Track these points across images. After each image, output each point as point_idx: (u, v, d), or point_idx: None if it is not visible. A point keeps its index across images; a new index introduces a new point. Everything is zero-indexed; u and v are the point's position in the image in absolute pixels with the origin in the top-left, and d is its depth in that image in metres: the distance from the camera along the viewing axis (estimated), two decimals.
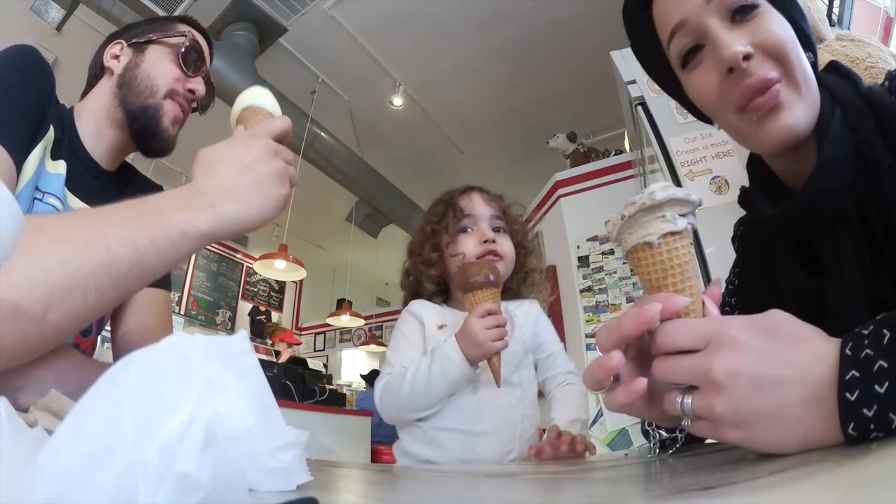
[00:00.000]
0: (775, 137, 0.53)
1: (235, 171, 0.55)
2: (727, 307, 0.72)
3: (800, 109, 0.52)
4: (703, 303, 0.40)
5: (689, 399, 0.37)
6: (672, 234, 0.40)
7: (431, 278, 0.98)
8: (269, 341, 5.29)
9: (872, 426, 0.29)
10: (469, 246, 0.94)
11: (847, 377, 0.30)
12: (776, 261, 0.60)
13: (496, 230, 0.98)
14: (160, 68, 0.84)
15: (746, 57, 0.52)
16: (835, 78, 0.56)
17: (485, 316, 0.81)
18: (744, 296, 0.69)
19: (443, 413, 0.88)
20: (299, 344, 5.28)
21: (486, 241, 0.94)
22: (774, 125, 0.52)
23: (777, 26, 0.54)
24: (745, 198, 0.65)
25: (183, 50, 0.85)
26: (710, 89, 0.56)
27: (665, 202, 0.39)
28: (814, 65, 0.55)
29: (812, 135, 0.53)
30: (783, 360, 0.33)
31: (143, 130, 0.82)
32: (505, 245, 0.96)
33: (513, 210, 1.05)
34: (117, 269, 0.46)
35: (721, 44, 0.53)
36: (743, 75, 0.52)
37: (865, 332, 0.31)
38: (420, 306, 0.97)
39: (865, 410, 0.29)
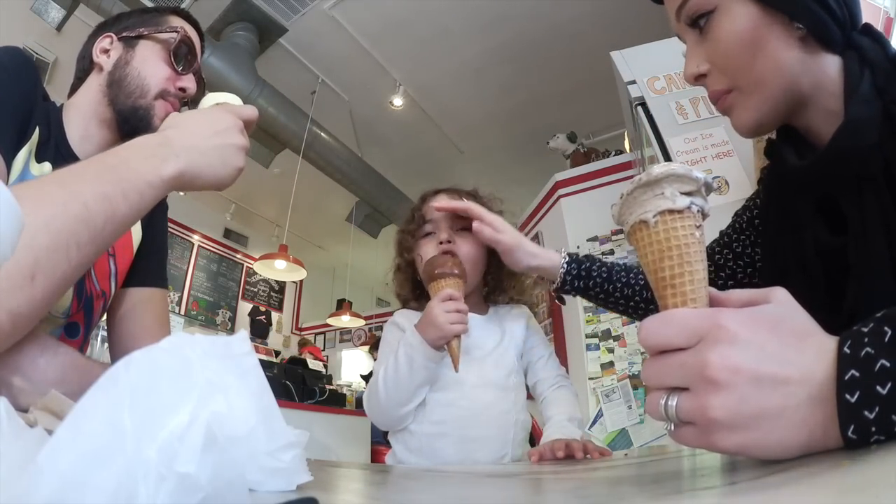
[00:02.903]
0: (738, 131, 0.61)
1: (204, 133, 0.60)
2: (726, 251, 0.77)
3: (745, 110, 0.58)
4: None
5: (675, 400, 0.32)
6: (671, 212, 0.37)
7: (402, 285, 1.02)
8: (299, 350, 5.53)
9: (874, 429, 0.27)
10: (427, 250, 0.95)
11: (846, 377, 0.28)
12: (800, 215, 0.60)
13: (461, 230, 0.95)
14: (151, 67, 0.81)
15: (701, 76, 0.59)
16: (867, 40, 0.56)
17: (446, 300, 0.83)
18: (765, 252, 0.69)
19: (437, 418, 0.88)
20: (324, 361, 5.46)
21: (441, 243, 0.94)
22: (732, 124, 0.61)
23: (727, 34, 0.56)
24: (771, 148, 0.65)
25: (174, 46, 0.83)
26: None
27: (664, 178, 0.37)
28: (820, 23, 0.54)
29: (838, 96, 0.55)
30: (786, 358, 0.30)
31: (134, 132, 0.79)
32: (465, 245, 0.94)
33: (490, 207, 1.00)
34: (94, 223, 0.48)
35: (685, 64, 0.61)
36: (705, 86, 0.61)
37: (865, 329, 0.30)
38: (401, 316, 0.99)
39: (867, 413, 0.27)
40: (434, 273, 0.87)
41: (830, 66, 0.56)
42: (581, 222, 2.96)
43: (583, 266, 0.86)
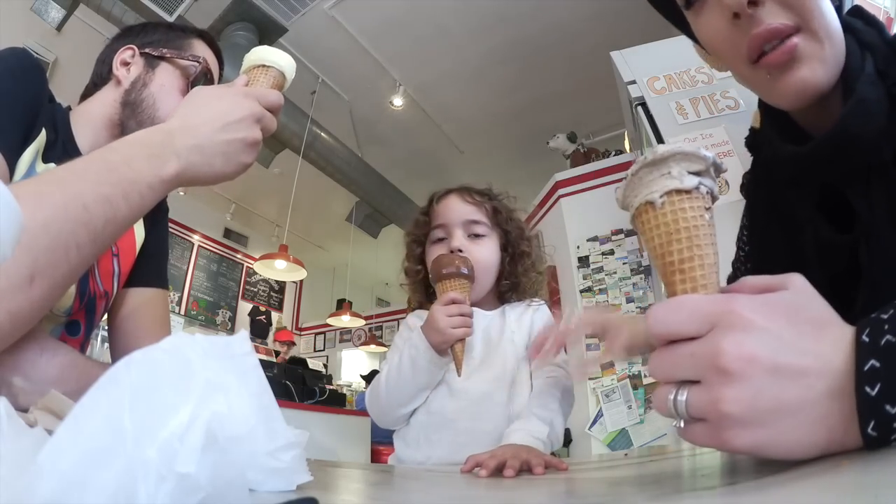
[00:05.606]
0: (791, 94, 0.48)
1: (212, 127, 0.58)
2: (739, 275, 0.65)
3: (819, 63, 0.47)
4: None
5: (685, 395, 0.30)
6: (678, 192, 0.34)
7: (415, 290, 1.01)
8: (273, 338, 5.58)
9: None
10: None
11: (866, 367, 0.26)
12: (796, 211, 0.53)
13: (474, 236, 0.95)
14: (166, 97, 0.80)
15: (754, 2, 0.46)
16: (860, 23, 0.52)
17: (448, 304, 0.82)
18: (755, 251, 0.62)
19: (435, 409, 0.88)
20: (292, 342, 5.46)
21: (451, 252, 0.92)
22: (790, 80, 0.47)
23: None
24: (754, 139, 0.59)
25: (193, 77, 0.81)
26: (718, 35, 0.51)
27: (670, 156, 0.34)
28: (838, 8, 0.50)
29: (837, 84, 0.48)
30: (804, 347, 0.28)
31: None
32: (479, 251, 0.93)
33: (505, 205, 1.00)
34: (94, 225, 0.48)
35: None
36: (751, 23, 0.47)
37: (885, 316, 0.27)
38: (415, 317, 0.97)
39: (888, 407, 0.25)
40: (441, 273, 0.85)
41: None
42: (581, 222, 2.96)
43: None
